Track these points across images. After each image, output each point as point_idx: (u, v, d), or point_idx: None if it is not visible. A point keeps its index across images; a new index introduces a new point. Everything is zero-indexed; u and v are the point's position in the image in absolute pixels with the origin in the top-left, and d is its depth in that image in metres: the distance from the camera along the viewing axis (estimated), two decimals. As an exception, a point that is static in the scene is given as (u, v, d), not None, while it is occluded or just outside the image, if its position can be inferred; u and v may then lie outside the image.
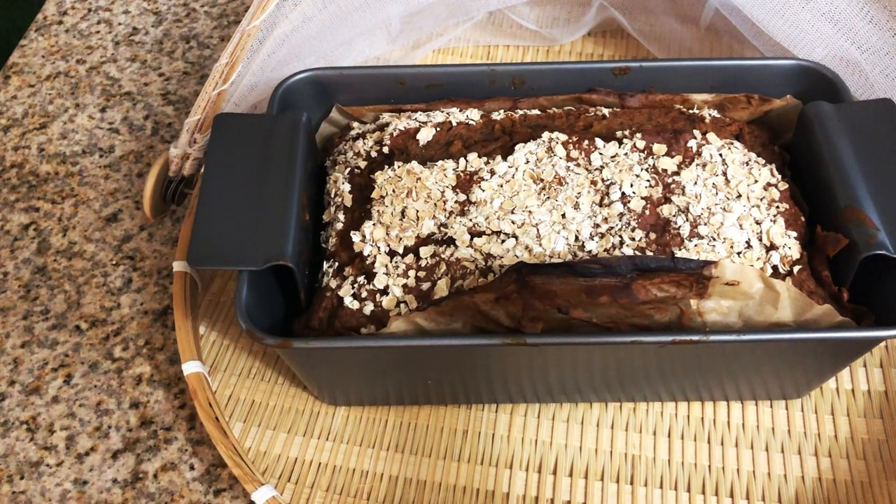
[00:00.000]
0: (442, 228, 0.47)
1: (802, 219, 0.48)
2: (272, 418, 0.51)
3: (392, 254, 0.46)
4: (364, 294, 0.45)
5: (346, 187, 0.50)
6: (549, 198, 0.47)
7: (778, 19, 0.57)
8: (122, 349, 0.55)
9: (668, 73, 0.54)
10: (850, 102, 0.50)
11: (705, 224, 0.46)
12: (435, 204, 0.48)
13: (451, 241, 0.46)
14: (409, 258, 0.46)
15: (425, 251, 0.46)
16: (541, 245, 0.45)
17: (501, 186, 0.48)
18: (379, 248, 0.46)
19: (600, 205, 0.47)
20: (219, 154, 0.49)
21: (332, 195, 0.51)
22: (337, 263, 0.47)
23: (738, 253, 0.45)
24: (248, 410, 0.52)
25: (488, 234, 0.46)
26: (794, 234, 0.47)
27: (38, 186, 0.64)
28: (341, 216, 0.49)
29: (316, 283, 0.48)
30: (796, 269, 0.46)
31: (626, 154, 0.49)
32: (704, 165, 0.48)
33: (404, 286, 0.45)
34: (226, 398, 0.52)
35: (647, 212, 0.47)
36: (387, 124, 0.53)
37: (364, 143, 0.52)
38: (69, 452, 0.51)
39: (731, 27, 0.64)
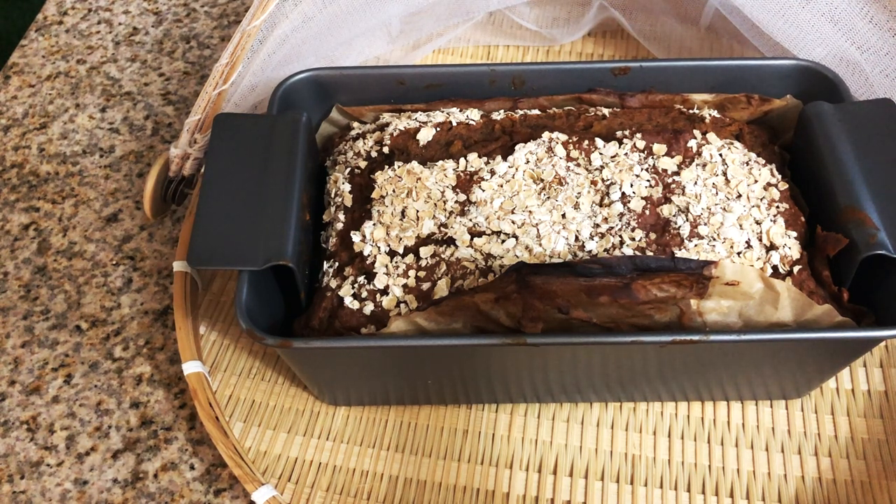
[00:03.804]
0: (442, 228, 0.47)
1: (802, 219, 0.48)
2: (272, 418, 0.51)
3: (392, 254, 0.46)
4: (364, 294, 0.45)
5: (346, 187, 0.50)
6: (549, 198, 0.47)
7: (778, 19, 0.57)
8: (122, 349, 0.55)
9: (668, 73, 0.54)
10: (850, 102, 0.50)
11: (705, 224, 0.46)
12: (435, 204, 0.48)
13: (451, 241, 0.46)
14: (409, 258, 0.46)
15: (425, 251, 0.46)
16: (541, 245, 0.45)
17: (501, 186, 0.48)
18: (379, 248, 0.46)
19: (600, 205, 0.47)
20: (219, 154, 0.49)
21: (332, 195, 0.51)
22: (337, 263, 0.47)
23: (738, 253, 0.45)
24: (249, 410, 0.52)
25: (488, 234, 0.46)
26: (794, 234, 0.47)
27: (38, 186, 0.64)
28: (341, 216, 0.49)
29: (316, 283, 0.48)
30: (796, 269, 0.46)
31: (626, 154, 0.49)
32: (704, 165, 0.48)
33: (404, 286, 0.45)
34: (226, 398, 0.52)
35: (647, 212, 0.47)
36: (387, 124, 0.53)
37: (364, 143, 0.52)
38: (69, 452, 0.51)
39: (731, 27, 0.64)
